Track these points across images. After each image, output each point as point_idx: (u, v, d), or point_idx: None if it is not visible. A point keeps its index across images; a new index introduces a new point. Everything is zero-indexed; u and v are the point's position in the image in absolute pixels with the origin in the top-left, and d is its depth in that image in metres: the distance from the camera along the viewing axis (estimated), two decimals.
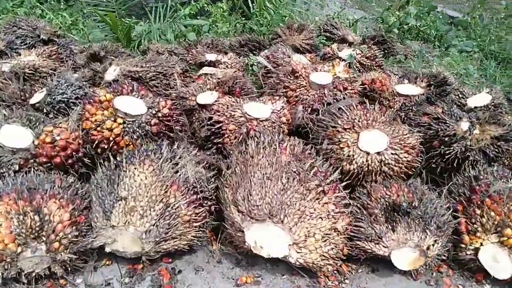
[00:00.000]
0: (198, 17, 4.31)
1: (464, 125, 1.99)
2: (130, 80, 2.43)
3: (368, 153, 1.96)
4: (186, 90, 2.57)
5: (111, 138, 2.07)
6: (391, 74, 3.23)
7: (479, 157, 1.96)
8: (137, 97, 2.22)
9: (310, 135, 2.19)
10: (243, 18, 4.54)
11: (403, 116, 2.35)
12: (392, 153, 1.96)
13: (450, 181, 2.01)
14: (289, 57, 3.17)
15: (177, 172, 1.77)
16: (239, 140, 2.12)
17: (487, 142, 1.95)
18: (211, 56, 3.33)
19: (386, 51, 4.19)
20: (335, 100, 2.32)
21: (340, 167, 2.01)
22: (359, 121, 2.01)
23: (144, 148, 1.93)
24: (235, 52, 3.90)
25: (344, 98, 2.34)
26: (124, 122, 2.11)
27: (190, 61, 3.37)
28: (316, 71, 2.45)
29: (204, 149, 2.23)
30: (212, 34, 4.16)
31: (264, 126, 2.18)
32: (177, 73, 2.89)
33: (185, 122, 2.36)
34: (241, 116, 2.18)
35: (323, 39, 4.02)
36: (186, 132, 2.26)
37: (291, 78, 2.40)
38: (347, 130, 2.00)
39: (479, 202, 1.71)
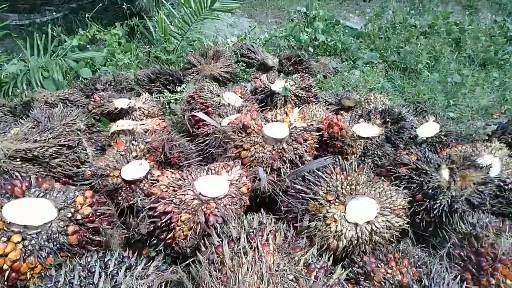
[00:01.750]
0: (89, 48, 3.53)
1: (445, 173, 1.82)
2: (22, 167, 1.71)
3: (357, 225, 1.66)
4: (104, 162, 1.93)
5: (5, 267, 1.39)
6: (326, 103, 3.05)
7: (465, 207, 1.81)
8: (39, 196, 1.55)
9: (281, 207, 1.79)
10: (146, 46, 3.90)
11: (369, 162, 2.12)
12: (382, 220, 1.69)
13: (435, 235, 1.84)
14: (218, 95, 2.72)
15: None
16: (198, 232, 1.62)
17: (472, 190, 1.81)
18: (121, 102, 2.69)
19: (304, 71, 4.04)
20: (297, 156, 1.96)
21: (326, 245, 1.67)
22: (342, 187, 1.69)
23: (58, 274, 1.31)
24: (145, 88, 3.29)
25: (305, 151, 1.99)
26: (23, 239, 1.44)
27: (93, 111, 2.68)
28: (268, 121, 2.06)
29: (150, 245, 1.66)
30: (111, 67, 3.44)
31: (225, 206, 1.70)
32: (83, 135, 2.20)
33: (114, 213, 1.74)
34: (194, 199, 1.67)
35: (242, 65, 3.66)
36: (120, 232, 1.65)
37: (243, 135, 1.96)
38: (332, 202, 1.66)
39: (490, 269, 1.54)
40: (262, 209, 1.76)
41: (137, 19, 3.99)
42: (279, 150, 1.98)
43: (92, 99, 2.74)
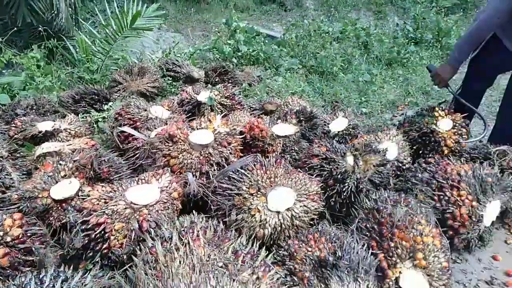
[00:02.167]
0: (5, 73, 3.41)
1: (350, 159, 2.11)
2: None
3: (278, 212, 1.87)
4: (31, 185, 1.94)
5: None
6: (250, 109, 3.27)
7: (369, 186, 2.11)
8: None
9: (211, 206, 1.94)
10: (68, 67, 3.85)
11: (288, 157, 2.36)
12: (300, 206, 1.92)
13: (348, 214, 2.12)
14: (145, 110, 2.82)
15: None
16: (133, 238, 1.71)
17: (373, 171, 2.12)
18: (45, 125, 2.67)
19: (230, 81, 4.25)
20: (223, 159, 2.13)
21: (254, 234, 1.85)
22: (262, 181, 1.89)
23: None
24: (70, 109, 3.27)
25: (231, 153, 2.18)
26: None
27: (15, 136, 2.62)
28: (193, 129, 2.21)
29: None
30: (32, 91, 3.36)
31: (158, 212, 1.82)
32: (6, 161, 2.18)
33: (45, 232, 1.77)
34: (126, 208, 1.76)
35: (169, 80, 3.77)
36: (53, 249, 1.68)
37: (170, 145, 2.09)
38: (254, 194, 1.85)
39: (389, 235, 1.83)
40: (194, 210, 1.90)
41: (55, 40, 3.92)
42: (206, 155, 2.14)
43: (13, 125, 2.68)
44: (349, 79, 4.99)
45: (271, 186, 1.90)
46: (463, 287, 2.02)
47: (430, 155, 2.60)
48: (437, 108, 2.73)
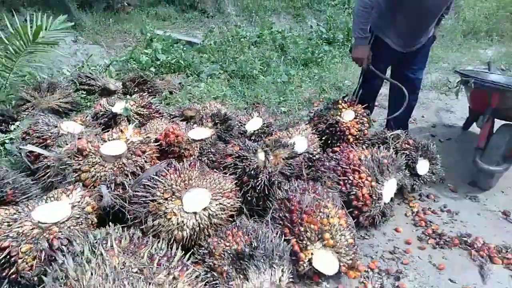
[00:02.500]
0: None
1: (261, 155, 2.24)
2: None
3: (195, 213, 1.94)
4: None
5: None
6: (170, 117, 3.29)
7: (281, 179, 2.26)
8: None
9: (128, 216, 1.95)
10: None
11: (205, 160, 2.44)
12: (216, 204, 2.00)
13: (264, 207, 2.25)
14: (56, 127, 2.72)
15: None
16: (43, 259, 1.66)
17: (283, 164, 2.27)
18: None
19: (149, 90, 4.23)
20: (138, 168, 2.15)
21: (173, 238, 1.90)
22: (176, 185, 1.94)
23: None
24: None
25: (146, 162, 2.20)
26: None
27: None
28: (105, 141, 2.19)
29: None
30: None
31: (70, 228, 1.78)
32: None
33: None
34: (33, 228, 1.70)
35: (83, 93, 3.64)
36: None
37: (80, 159, 2.06)
38: (169, 199, 1.90)
39: (299, 220, 1.98)
40: (112, 222, 1.89)
41: None
42: (120, 166, 2.14)
43: None
44: (269, 81, 5.21)
45: (186, 188, 1.96)
46: (371, 259, 2.25)
47: (337, 144, 2.84)
48: (340, 101, 2.99)
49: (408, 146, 2.70)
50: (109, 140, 2.21)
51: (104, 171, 2.09)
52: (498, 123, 2.94)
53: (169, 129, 2.42)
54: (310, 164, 2.66)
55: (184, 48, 5.31)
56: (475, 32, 7.22)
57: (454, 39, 6.99)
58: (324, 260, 1.98)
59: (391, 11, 2.73)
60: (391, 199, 2.50)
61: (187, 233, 1.91)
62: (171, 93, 4.41)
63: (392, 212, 2.56)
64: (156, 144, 2.36)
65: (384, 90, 3.98)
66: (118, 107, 3.01)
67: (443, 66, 5.97)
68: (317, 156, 2.69)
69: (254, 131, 2.86)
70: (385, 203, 2.41)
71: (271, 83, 5.19)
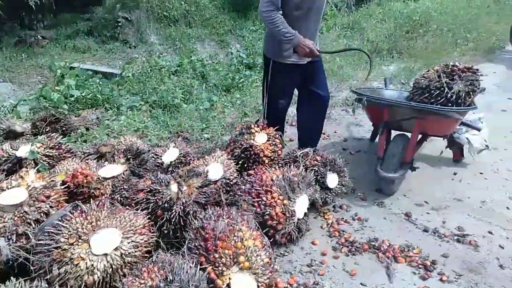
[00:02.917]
0: None
1: (174, 187, 2.26)
2: None
3: (106, 254, 1.89)
4: None
5: None
6: (84, 155, 3.18)
7: (196, 207, 2.29)
8: None
9: (32, 268, 1.84)
10: None
11: (118, 198, 2.39)
12: (128, 242, 1.97)
13: (182, 238, 2.25)
14: None
15: None
16: None
17: (197, 193, 2.31)
18: None
19: (63, 129, 4.06)
20: (43, 214, 2.04)
21: (83, 284, 1.82)
22: (82, 228, 1.88)
23: None
24: None
25: (51, 207, 2.10)
26: None
27: None
28: (3, 190, 2.06)
29: None
30: None
31: None
32: None
33: None
34: None
35: None
36: None
37: None
38: (75, 243, 1.83)
39: (214, 248, 2.02)
40: (14, 276, 1.77)
41: None
42: (21, 214, 2.02)
43: None
44: (192, 109, 5.26)
45: (94, 230, 1.90)
46: (290, 275, 2.35)
47: (253, 167, 2.95)
48: (253, 126, 3.13)
49: (317, 162, 2.90)
50: (8, 189, 2.08)
51: (3, 222, 1.96)
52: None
53: (78, 169, 2.35)
54: (228, 189, 2.74)
55: (100, 82, 5.18)
56: (378, 51, 8.00)
57: (361, 58, 7.67)
58: (242, 283, 2.03)
59: (293, 20, 2.87)
60: (305, 214, 2.65)
61: (98, 277, 1.85)
62: (87, 129, 4.26)
63: (308, 227, 2.71)
64: (63, 186, 2.27)
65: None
66: (23, 150, 2.84)
67: (353, 83, 6.51)
68: (234, 181, 2.77)
69: (171, 162, 2.88)
70: (299, 219, 2.55)
71: (194, 110, 5.25)
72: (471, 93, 2.96)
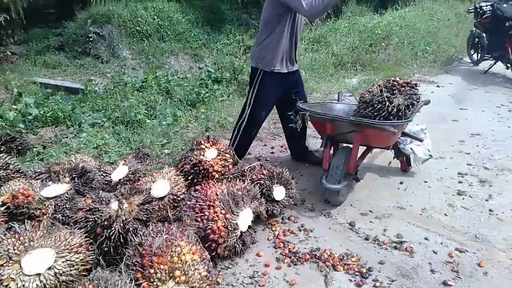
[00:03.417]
0: None
1: (114, 205, 2.31)
2: None
3: (39, 274, 1.91)
4: None
5: None
6: (35, 174, 3.18)
7: (137, 225, 2.34)
8: None
9: None
10: None
11: (61, 218, 2.42)
12: (63, 261, 2.00)
13: (123, 255, 2.29)
14: None
15: None
16: None
17: (137, 210, 2.36)
18: None
19: (18, 148, 4.04)
20: None
21: None
22: (14, 249, 1.91)
23: None
24: None
25: None
26: None
27: None
28: None
29: None
30: None
31: None
32: None
33: None
34: None
35: None
36: None
37: None
38: (5, 265, 1.85)
39: (150, 263, 2.07)
40: None
41: None
42: None
43: None
44: (155, 124, 5.31)
45: (26, 251, 1.93)
46: (231, 287, 2.41)
47: (203, 182, 3.02)
48: (203, 141, 3.22)
49: (263, 176, 2.99)
50: None
51: None
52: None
53: (19, 190, 2.37)
54: (176, 205, 2.80)
55: (60, 100, 5.18)
56: (343, 64, 8.26)
57: (326, 71, 7.90)
58: None
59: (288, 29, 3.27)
60: (251, 227, 2.73)
61: None
62: (44, 148, 4.25)
63: (254, 239, 2.79)
64: (3, 208, 2.28)
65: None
66: None
67: (317, 96, 6.70)
68: (181, 197, 2.83)
69: (120, 179, 2.92)
70: (243, 232, 2.63)
71: (158, 126, 5.29)
72: (410, 106, 3.14)
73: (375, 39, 8.79)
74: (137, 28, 12.01)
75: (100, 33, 11.57)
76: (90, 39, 11.44)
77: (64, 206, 2.45)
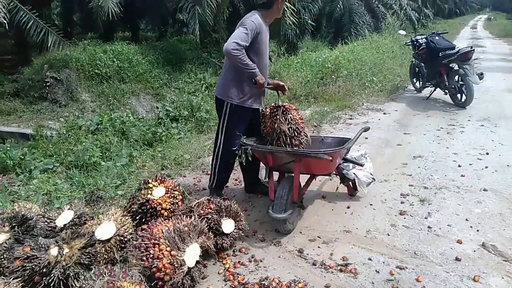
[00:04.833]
0: None
1: (54, 251, 2.29)
2: None
3: None
4: None
5: None
6: None
7: (78, 269, 2.32)
8: None
9: None
10: None
11: None
12: None
13: None
14: None
15: None
16: None
17: (78, 254, 2.35)
18: None
19: None
20: None
21: None
22: None
23: None
24: None
25: None
26: None
27: None
28: None
29: None
30: None
31: None
32: None
33: None
34: None
35: None
36: None
37: None
38: None
39: None
40: None
41: None
42: None
43: None
44: (110, 166, 5.27)
45: None
46: None
47: (151, 221, 3.04)
48: (150, 180, 3.26)
49: (210, 210, 3.06)
50: None
51: None
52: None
53: None
54: (123, 246, 2.79)
55: (8, 148, 5.08)
56: (297, 97, 8.64)
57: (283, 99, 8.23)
58: None
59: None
60: (198, 262, 2.76)
61: None
62: None
63: (203, 274, 2.81)
64: None
65: None
66: None
67: None
68: (128, 237, 2.83)
69: (65, 225, 2.88)
70: (190, 268, 2.65)
71: (113, 167, 5.26)
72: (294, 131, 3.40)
73: (325, 73, 9.30)
74: (96, 71, 12.01)
75: (58, 78, 11.46)
76: (47, 84, 11.30)
77: (2, 256, 2.39)
